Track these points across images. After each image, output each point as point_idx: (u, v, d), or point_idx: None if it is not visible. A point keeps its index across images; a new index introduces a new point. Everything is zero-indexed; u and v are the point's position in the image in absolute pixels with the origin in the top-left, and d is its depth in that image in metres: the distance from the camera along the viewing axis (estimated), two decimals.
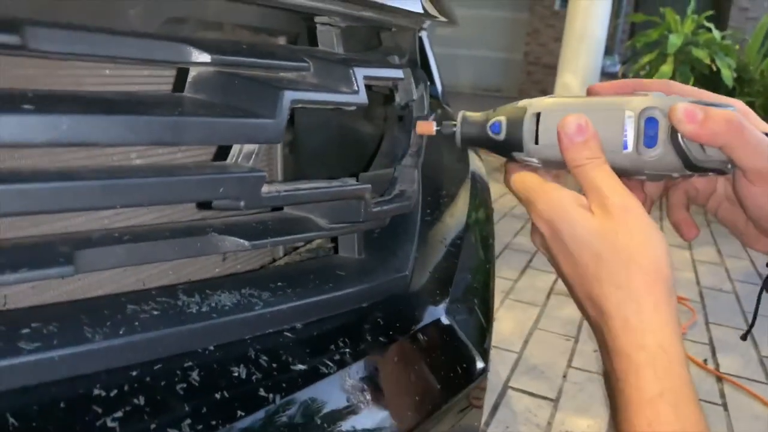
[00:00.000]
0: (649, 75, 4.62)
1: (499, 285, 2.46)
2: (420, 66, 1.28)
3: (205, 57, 0.39)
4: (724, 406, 1.79)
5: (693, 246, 3.36)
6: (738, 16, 7.46)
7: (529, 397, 1.75)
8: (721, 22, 4.72)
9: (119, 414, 0.32)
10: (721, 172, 0.44)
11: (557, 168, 0.47)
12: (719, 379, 1.93)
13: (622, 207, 0.41)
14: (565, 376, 1.89)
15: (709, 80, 4.47)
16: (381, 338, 0.46)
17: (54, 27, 0.33)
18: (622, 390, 0.39)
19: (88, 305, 0.37)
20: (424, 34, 1.26)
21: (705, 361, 2.02)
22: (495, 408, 1.69)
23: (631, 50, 5.48)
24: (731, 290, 2.68)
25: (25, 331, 0.33)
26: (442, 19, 0.65)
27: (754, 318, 0.55)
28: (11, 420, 0.29)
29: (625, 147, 0.44)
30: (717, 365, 2.00)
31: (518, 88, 8.73)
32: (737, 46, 4.70)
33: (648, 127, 0.43)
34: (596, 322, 0.43)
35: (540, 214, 0.45)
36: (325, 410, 0.39)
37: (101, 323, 0.35)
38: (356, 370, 0.43)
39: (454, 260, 0.65)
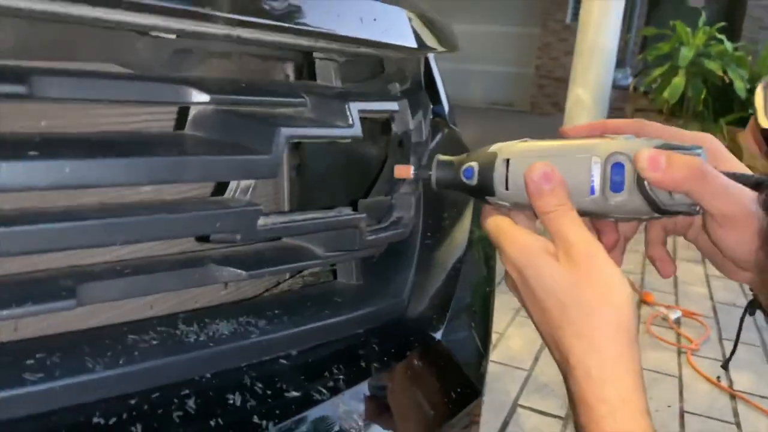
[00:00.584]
0: (661, 88, 4.61)
1: (510, 302, 2.45)
2: (425, 87, 1.30)
3: (204, 97, 0.41)
4: (738, 425, 1.77)
5: (707, 260, 3.33)
6: (751, 27, 7.43)
7: (539, 416, 1.74)
8: (733, 33, 4.70)
9: None
10: (689, 214, 0.45)
11: (528, 211, 0.47)
12: (732, 396, 1.91)
13: (587, 256, 0.42)
14: None
15: (722, 92, 4.46)
16: (375, 364, 0.48)
17: (58, 75, 0.35)
18: None
19: (90, 335, 0.39)
20: (431, 55, 1.28)
21: (718, 378, 2.00)
22: (504, 426, 1.69)
23: (643, 63, 5.47)
24: (745, 306, 2.66)
25: (30, 362, 0.34)
26: (440, 49, 0.67)
27: (736, 344, 0.56)
28: None
29: (592, 192, 0.44)
30: (731, 382, 1.98)
31: (530, 101, 8.74)
32: (750, 57, 4.68)
33: (614, 173, 0.43)
34: (562, 367, 0.44)
35: (509, 260, 0.45)
36: None
37: (102, 353, 0.37)
38: (350, 397, 0.44)
39: (453, 284, 0.66)
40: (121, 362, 0.37)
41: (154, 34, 0.40)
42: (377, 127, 0.73)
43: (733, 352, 0.64)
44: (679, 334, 2.31)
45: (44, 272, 0.37)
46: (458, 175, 0.49)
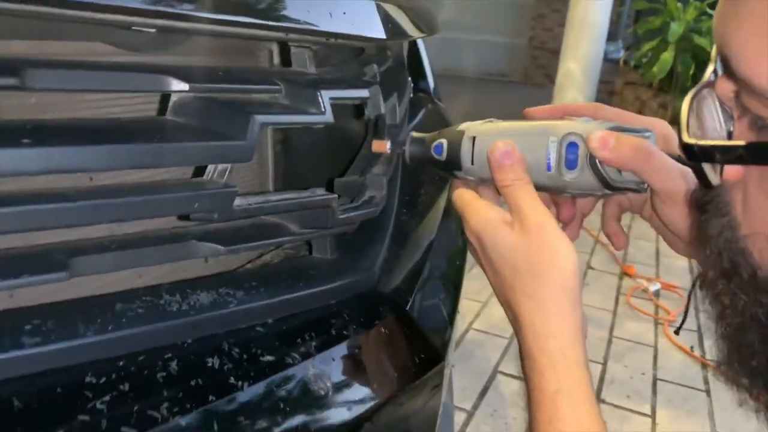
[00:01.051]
0: (651, 62, 4.63)
1: None
2: (409, 63, 1.32)
3: (184, 85, 0.44)
4: (707, 392, 1.85)
5: None
6: None
7: (518, 382, 1.81)
8: None
9: (107, 398, 0.38)
10: (637, 191, 0.49)
11: (492, 185, 0.51)
12: (704, 366, 1.98)
13: (538, 225, 0.46)
14: None
15: None
16: (345, 332, 0.52)
17: (48, 67, 0.38)
18: (530, 389, 0.45)
19: (82, 304, 0.43)
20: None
21: (692, 348, 2.07)
22: (484, 392, 1.76)
23: (634, 37, 5.47)
24: (693, 279, 2.73)
25: (27, 327, 0.38)
26: (415, 36, 0.70)
27: (685, 315, 0.61)
28: (16, 403, 0.35)
29: (549, 169, 0.49)
30: (703, 352, 2.05)
31: (523, 72, 8.71)
32: None
33: (569, 152, 0.48)
34: (513, 325, 0.48)
35: (470, 229, 0.50)
36: (290, 396, 0.45)
37: (93, 320, 0.41)
38: (320, 361, 0.48)
39: (424, 259, 0.70)
40: (110, 328, 0.41)
41: (135, 28, 0.43)
42: (354, 108, 0.76)
43: (683, 322, 0.70)
44: (657, 306, 2.38)
45: (39, 247, 0.41)
46: (429, 150, 0.54)
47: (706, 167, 0.37)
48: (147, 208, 0.40)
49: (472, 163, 0.52)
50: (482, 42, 8.93)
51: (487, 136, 0.51)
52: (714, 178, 0.37)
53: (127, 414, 0.37)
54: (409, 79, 1.04)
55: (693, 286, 0.58)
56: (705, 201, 0.39)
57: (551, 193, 0.54)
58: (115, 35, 0.53)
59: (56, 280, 0.39)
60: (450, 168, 0.53)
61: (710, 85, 0.38)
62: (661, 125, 0.54)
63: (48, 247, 0.41)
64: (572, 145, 0.48)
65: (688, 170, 0.47)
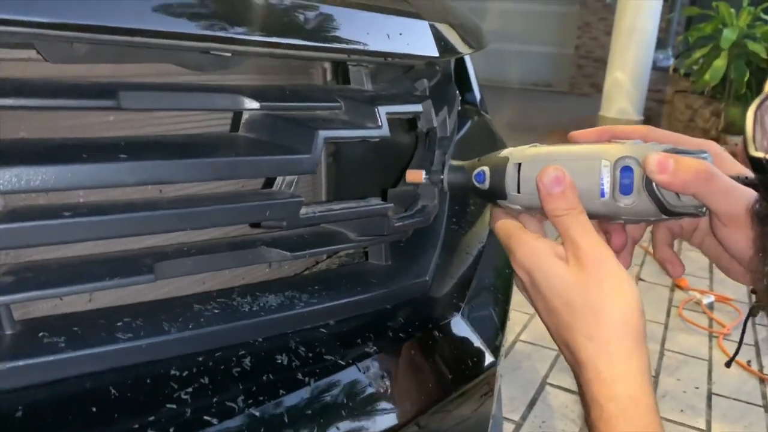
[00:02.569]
0: (703, 69, 4.52)
1: None
2: (457, 77, 1.35)
3: (255, 104, 0.48)
4: (766, 408, 1.80)
5: None
6: None
7: (566, 393, 1.80)
8: None
9: (190, 389, 0.41)
10: (695, 215, 0.47)
11: (539, 214, 0.49)
12: (762, 380, 1.93)
13: (595, 259, 0.43)
14: None
15: (766, 74, 4.34)
16: (401, 335, 0.55)
17: (140, 89, 0.42)
18: None
19: (163, 305, 0.47)
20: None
21: (749, 362, 2.01)
22: (532, 403, 1.75)
23: (685, 44, 5.35)
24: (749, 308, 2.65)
25: (120, 324, 0.43)
26: (464, 53, 0.72)
27: (740, 345, 0.57)
28: (112, 391, 0.39)
29: (602, 195, 0.46)
30: (761, 367, 2.00)
31: (569, 82, 8.62)
32: None
33: (623, 176, 0.45)
34: (573, 367, 0.46)
35: (518, 263, 0.48)
36: (351, 392, 0.48)
37: (175, 319, 0.45)
38: (378, 361, 0.51)
39: (474, 266, 0.72)
40: (190, 326, 0.45)
41: (213, 53, 0.47)
42: (405, 123, 0.79)
43: (736, 353, 0.62)
44: (711, 319, 2.32)
45: (128, 252, 0.45)
46: (470, 179, 0.52)
47: None
48: (226, 216, 0.44)
49: (518, 192, 0.49)
50: (527, 52, 8.88)
51: (534, 162, 0.48)
52: None
53: (208, 404, 0.41)
54: (457, 92, 1.07)
55: (749, 315, 0.55)
56: None
57: (603, 220, 0.51)
58: (183, 57, 0.57)
59: (145, 281, 0.43)
60: (493, 197, 0.51)
61: None
62: (711, 146, 0.50)
63: (136, 253, 0.45)
64: (627, 169, 0.45)
65: (748, 190, 0.45)
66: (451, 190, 0.54)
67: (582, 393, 0.44)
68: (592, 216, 0.47)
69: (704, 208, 0.46)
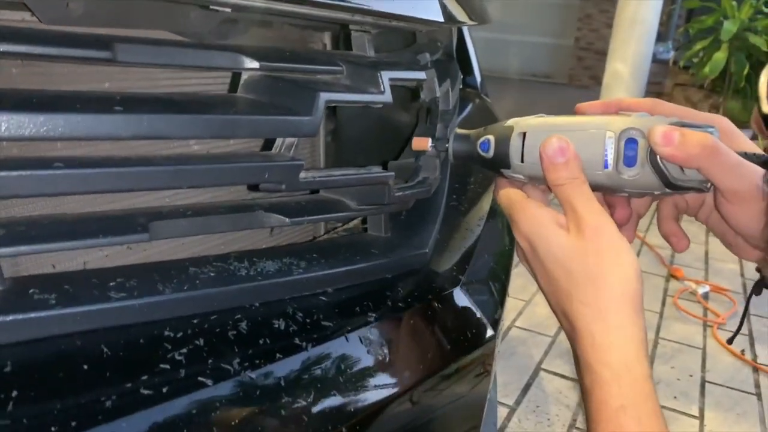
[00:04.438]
0: (703, 62, 4.51)
1: None
2: (458, 58, 1.34)
3: (255, 64, 0.47)
4: (758, 396, 1.80)
5: None
6: None
7: (561, 379, 1.80)
8: None
9: (184, 351, 0.40)
10: (700, 190, 0.46)
11: (542, 184, 0.49)
12: (755, 369, 1.93)
13: (595, 228, 0.43)
14: None
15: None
16: (400, 305, 0.54)
17: (136, 43, 0.41)
18: (590, 402, 0.42)
19: (158, 267, 0.46)
20: (464, 28, 1.31)
21: (743, 351, 2.02)
22: (526, 388, 1.75)
23: (685, 37, 5.34)
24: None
25: (113, 284, 0.42)
26: (469, 23, 0.71)
27: (741, 322, 0.57)
28: (105, 349, 0.38)
29: (606, 166, 0.45)
30: (755, 356, 2.00)
31: (568, 74, 8.60)
32: None
33: (627, 148, 0.45)
34: (569, 335, 0.46)
35: (520, 231, 0.48)
36: (349, 360, 0.47)
37: (170, 280, 0.44)
38: (376, 330, 0.50)
39: (474, 242, 0.71)
40: (185, 288, 0.43)
41: (212, 7, 0.46)
42: (407, 95, 0.78)
43: (738, 330, 0.63)
44: (706, 308, 2.32)
45: (122, 211, 0.44)
46: (475, 147, 0.51)
47: None
48: (223, 176, 0.43)
49: (522, 161, 0.49)
50: (526, 43, 8.85)
51: (539, 132, 0.48)
52: None
53: (203, 366, 0.40)
54: (459, 70, 1.06)
55: (752, 292, 0.53)
56: None
57: (607, 192, 0.51)
58: (181, 22, 0.56)
59: (139, 240, 0.42)
60: (497, 166, 0.51)
61: None
62: (723, 121, 0.50)
63: (131, 212, 0.44)
64: (631, 141, 0.45)
65: (754, 167, 0.44)
66: (456, 159, 0.54)
67: (577, 359, 0.45)
68: (594, 187, 0.46)
69: (709, 183, 0.45)
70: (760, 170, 0.44)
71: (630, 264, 0.43)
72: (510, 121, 0.50)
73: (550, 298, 0.48)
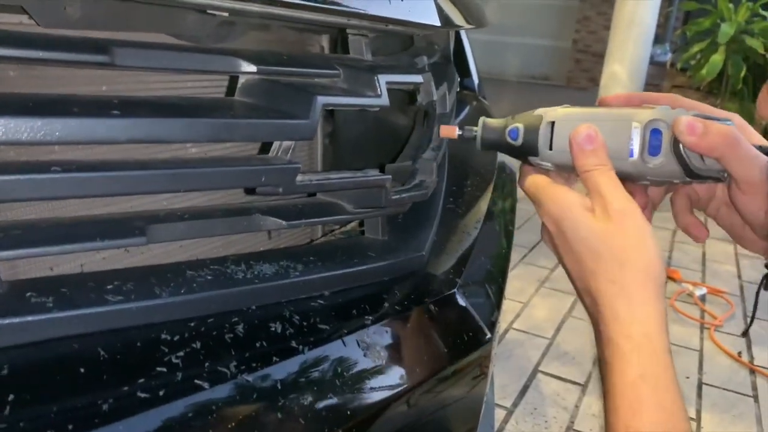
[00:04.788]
0: (700, 65, 4.52)
1: (535, 273, 2.50)
2: (456, 61, 1.34)
3: (252, 67, 0.47)
4: (755, 398, 1.81)
5: None
6: None
7: (558, 382, 1.80)
8: None
9: (181, 353, 0.41)
10: (717, 180, 0.48)
11: (568, 172, 0.51)
12: (752, 371, 1.94)
13: (622, 211, 0.45)
14: (595, 363, 1.93)
15: (763, 70, 4.34)
16: (397, 307, 0.54)
17: (134, 46, 0.41)
18: (610, 375, 0.43)
19: (155, 270, 0.46)
20: (462, 31, 1.31)
21: (739, 353, 2.02)
22: (524, 390, 1.75)
23: (682, 39, 5.35)
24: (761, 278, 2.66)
25: (110, 287, 0.42)
26: (465, 26, 0.71)
27: (753, 316, 0.59)
28: (102, 352, 0.38)
29: (631, 155, 0.48)
30: (752, 358, 2.00)
31: (566, 76, 8.61)
32: None
33: (653, 138, 0.47)
34: (592, 312, 0.47)
35: (548, 213, 0.49)
36: (346, 363, 0.47)
37: (167, 283, 0.44)
38: (373, 332, 0.50)
39: (471, 244, 0.72)
40: (182, 291, 0.44)
41: (210, 11, 0.46)
42: (405, 98, 0.78)
43: (750, 323, 0.66)
44: (703, 310, 2.33)
45: (120, 215, 0.44)
46: (503, 135, 0.53)
47: None
48: (220, 179, 0.43)
49: (551, 149, 0.51)
50: (524, 45, 8.86)
51: (568, 121, 0.50)
52: None
53: (200, 369, 0.40)
54: (456, 74, 1.06)
55: (761, 286, 0.56)
56: None
57: (630, 180, 0.52)
58: (179, 25, 0.56)
59: (137, 244, 0.42)
60: (525, 153, 0.53)
61: None
62: (735, 117, 0.52)
63: (129, 215, 0.44)
64: (656, 132, 0.47)
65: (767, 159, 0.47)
66: (483, 147, 0.55)
67: (598, 335, 0.46)
68: (620, 176, 0.49)
69: (725, 173, 0.47)
70: None
71: (654, 247, 0.45)
72: (538, 111, 0.53)
73: (574, 276, 0.49)
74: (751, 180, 0.47)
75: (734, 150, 0.46)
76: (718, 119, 0.47)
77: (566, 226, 0.48)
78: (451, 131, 0.55)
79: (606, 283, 0.45)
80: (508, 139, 0.53)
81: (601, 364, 0.45)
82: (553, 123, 0.51)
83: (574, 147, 0.49)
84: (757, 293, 0.60)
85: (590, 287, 0.47)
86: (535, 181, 0.51)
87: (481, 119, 0.55)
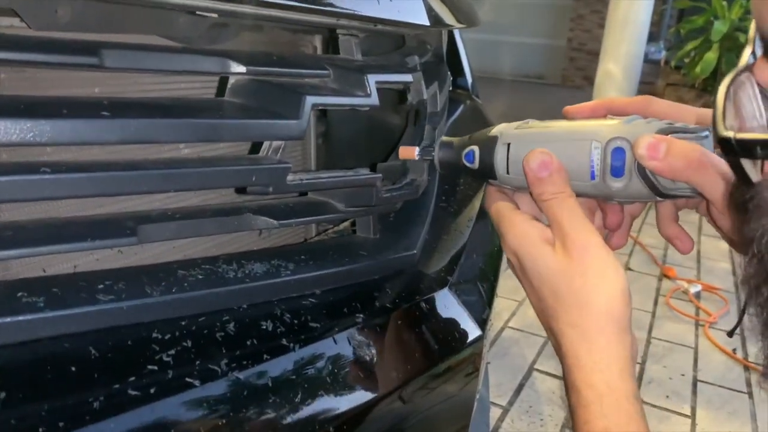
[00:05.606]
0: (694, 62, 4.54)
1: None
2: (449, 59, 1.34)
3: (242, 68, 0.47)
4: (750, 394, 1.82)
5: None
6: None
7: (554, 379, 1.81)
8: None
9: (172, 352, 0.41)
10: (692, 198, 0.45)
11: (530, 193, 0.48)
12: (746, 368, 1.95)
13: (581, 246, 0.43)
14: None
15: None
16: (388, 306, 0.54)
17: (123, 48, 0.42)
18: (576, 422, 0.42)
19: (147, 270, 0.46)
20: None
21: (734, 350, 2.03)
22: (519, 388, 1.76)
23: (676, 37, 5.36)
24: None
25: (101, 286, 0.42)
26: (456, 26, 0.72)
27: (741, 317, 0.55)
28: (93, 351, 0.39)
29: (593, 177, 0.44)
30: (746, 355, 2.01)
31: (561, 74, 8.62)
32: None
33: (615, 158, 0.43)
34: (557, 352, 0.46)
35: (508, 246, 0.47)
36: (337, 361, 0.48)
37: (158, 283, 0.44)
38: (364, 331, 0.51)
39: (463, 243, 0.72)
40: (173, 290, 0.44)
41: (199, 13, 0.46)
42: (396, 97, 0.79)
43: (738, 324, 0.61)
44: (698, 308, 2.34)
45: (111, 215, 0.44)
46: (460, 158, 0.50)
47: (746, 163, 0.32)
48: (211, 179, 0.43)
49: (508, 172, 0.48)
50: (519, 44, 8.87)
51: (523, 143, 0.47)
52: (754, 174, 0.33)
53: (190, 367, 0.41)
54: (449, 73, 1.07)
55: (744, 307, 0.54)
56: (745, 199, 0.34)
57: (595, 199, 0.50)
58: (170, 27, 0.56)
59: (127, 244, 0.43)
60: (484, 176, 0.50)
61: (749, 69, 0.34)
62: None
63: (120, 215, 0.45)
64: (618, 151, 0.43)
65: None
66: (442, 169, 0.53)
67: (565, 378, 0.44)
68: (583, 197, 0.46)
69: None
70: None
71: (616, 282, 0.42)
72: (495, 130, 0.49)
73: (539, 314, 0.47)
74: (724, 201, 0.42)
75: (700, 172, 0.41)
76: (691, 131, 0.43)
77: (526, 262, 0.45)
78: (409, 152, 0.53)
79: (566, 327, 0.43)
80: (465, 163, 0.50)
81: (569, 408, 0.44)
82: (508, 145, 0.48)
83: (528, 174, 0.45)
84: (744, 305, 0.58)
85: (552, 328, 0.45)
86: (497, 208, 0.49)
87: (440, 139, 0.53)
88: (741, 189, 0.34)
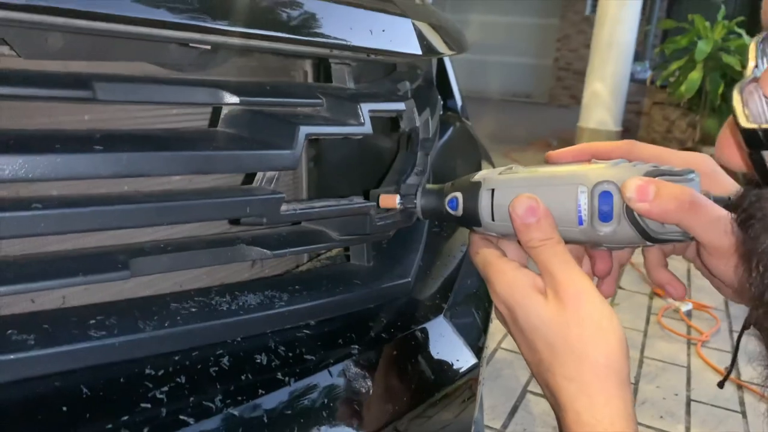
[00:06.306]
0: (679, 82, 4.60)
1: None
2: (438, 83, 1.35)
3: (235, 98, 0.47)
4: (743, 414, 1.81)
5: None
6: None
7: (547, 402, 1.80)
8: (754, 27, 4.66)
9: (165, 388, 0.40)
10: (682, 241, 0.44)
11: (517, 241, 0.47)
12: (740, 387, 1.95)
13: (575, 294, 0.41)
14: None
15: None
16: (383, 335, 0.54)
17: (115, 81, 0.41)
18: None
19: (139, 303, 0.46)
20: None
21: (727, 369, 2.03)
22: (513, 411, 1.75)
23: (661, 56, 5.45)
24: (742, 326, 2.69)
25: (92, 321, 0.41)
26: (447, 53, 0.72)
27: (733, 362, 0.53)
28: (84, 390, 0.38)
29: (580, 222, 0.43)
30: (738, 373, 2.01)
31: (548, 93, 8.72)
32: None
33: (602, 202, 0.42)
34: (553, 407, 0.44)
35: (497, 296, 0.45)
36: (332, 393, 0.47)
37: (150, 317, 0.43)
38: (360, 362, 0.50)
39: (457, 269, 0.72)
40: (166, 324, 0.43)
41: (192, 45, 0.46)
42: (388, 123, 0.79)
43: (729, 371, 0.56)
44: (689, 326, 2.34)
45: (102, 248, 0.44)
46: (443, 205, 0.49)
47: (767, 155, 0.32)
48: (204, 211, 0.43)
49: (493, 219, 0.46)
50: (506, 63, 8.97)
51: (508, 188, 0.46)
52: None
53: (185, 403, 0.40)
54: (439, 97, 1.07)
55: (741, 333, 0.52)
56: (754, 218, 0.34)
57: (583, 245, 0.49)
58: (161, 54, 0.56)
59: (120, 278, 0.42)
60: (468, 223, 0.48)
61: (755, 80, 0.34)
62: (704, 161, 0.48)
63: (111, 249, 0.44)
64: (606, 195, 0.42)
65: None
66: (425, 217, 0.52)
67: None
68: (571, 243, 0.45)
69: (690, 235, 0.43)
70: None
71: (613, 333, 0.41)
72: (478, 175, 0.48)
73: (532, 367, 0.45)
74: (716, 243, 0.42)
75: (692, 216, 0.41)
76: (679, 174, 0.42)
77: (517, 313, 0.43)
78: (391, 201, 0.52)
79: (564, 380, 0.41)
80: (449, 210, 0.49)
81: None
82: (492, 191, 0.46)
83: (515, 221, 0.44)
84: (738, 340, 0.58)
85: (548, 383, 0.43)
86: (484, 256, 0.47)
87: (420, 188, 0.51)
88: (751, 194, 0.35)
